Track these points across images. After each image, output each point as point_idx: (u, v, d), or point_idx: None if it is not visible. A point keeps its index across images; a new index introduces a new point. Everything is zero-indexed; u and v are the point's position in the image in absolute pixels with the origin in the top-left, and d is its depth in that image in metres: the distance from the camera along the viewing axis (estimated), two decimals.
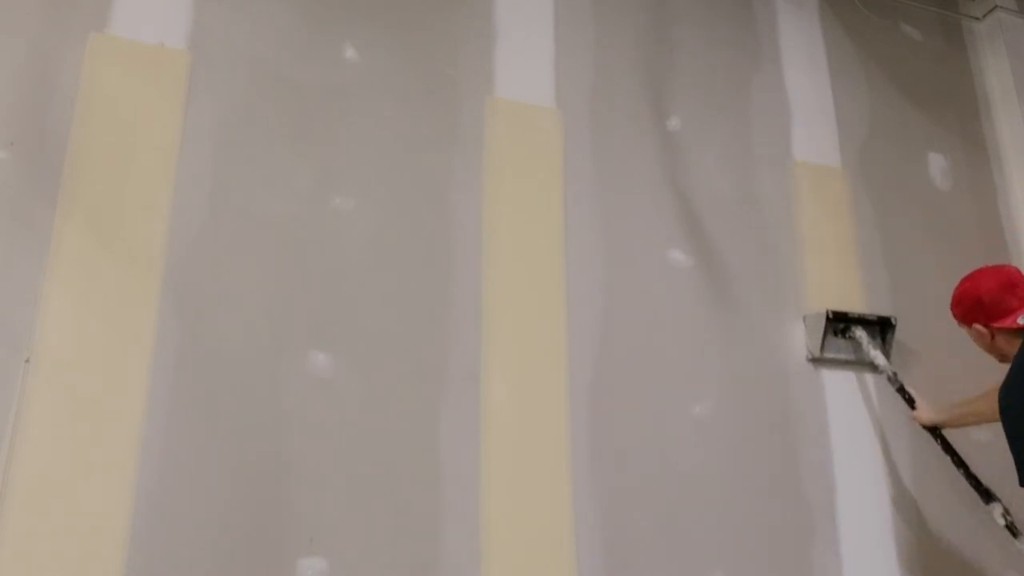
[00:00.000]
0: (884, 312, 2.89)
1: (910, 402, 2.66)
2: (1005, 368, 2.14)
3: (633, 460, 2.45)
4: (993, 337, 2.22)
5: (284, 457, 2.12)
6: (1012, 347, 2.17)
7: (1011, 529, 2.43)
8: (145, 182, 2.20)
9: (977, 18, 3.58)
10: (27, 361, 1.97)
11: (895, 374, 2.71)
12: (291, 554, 2.05)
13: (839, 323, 2.79)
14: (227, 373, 2.13)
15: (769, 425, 2.65)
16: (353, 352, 2.26)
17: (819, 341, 2.74)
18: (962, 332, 2.34)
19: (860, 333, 2.79)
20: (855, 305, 2.89)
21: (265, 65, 2.43)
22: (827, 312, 2.74)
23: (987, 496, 2.49)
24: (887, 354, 2.79)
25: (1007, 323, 2.17)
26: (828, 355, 2.77)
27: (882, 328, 2.84)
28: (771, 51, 3.16)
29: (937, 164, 3.28)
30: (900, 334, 2.86)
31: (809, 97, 3.14)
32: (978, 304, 2.23)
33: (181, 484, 2.01)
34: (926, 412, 2.60)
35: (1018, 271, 2.27)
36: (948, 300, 2.35)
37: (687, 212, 2.79)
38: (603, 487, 2.38)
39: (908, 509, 2.72)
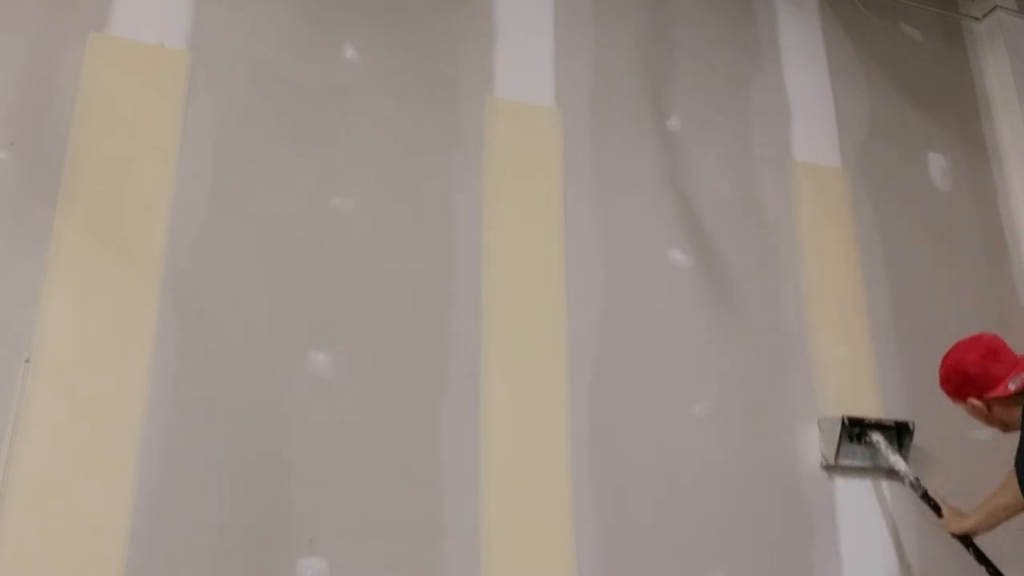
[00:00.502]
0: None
1: (936, 510, 2.51)
2: (1013, 439, 2.09)
3: (633, 460, 2.44)
4: (990, 409, 2.17)
5: (284, 457, 2.12)
6: (1012, 415, 2.13)
7: None
8: (145, 182, 2.20)
9: (977, 18, 3.58)
10: (27, 361, 1.97)
11: (918, 480, 2.58)
12: (291, 554, 2.05)
13: (854, 428, 2.66)
14: (227, 373, 2.13)
15: (770, 424, 2.65)
16: (353, 352, 2.26)
17: (834, 448, 2.62)
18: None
19: (877, 438, 2.66)
20: (858, 310, 2.89)
21: (265, 65, 2.43)
22: (843, 419, 2.63)
23: None
24: (906, 459, 2.67)
25: (999, 392, 2.13)
26: (843, 462, 2.65)
27: (899, 433, 2.73)
28: (771, 51, 3.16)
29: (937, 164, 3.28)
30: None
31: (809, 97, 3.14)
32: (966, 379, 2.18)
33: (181, 484, 2.01)
34: (955, 520, 2.45)
35: (995, 337, 2.22)
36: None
37: (687, 212, 2.79)
38: (603, 487, 2.38)
39: None
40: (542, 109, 2.71)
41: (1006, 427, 2.19)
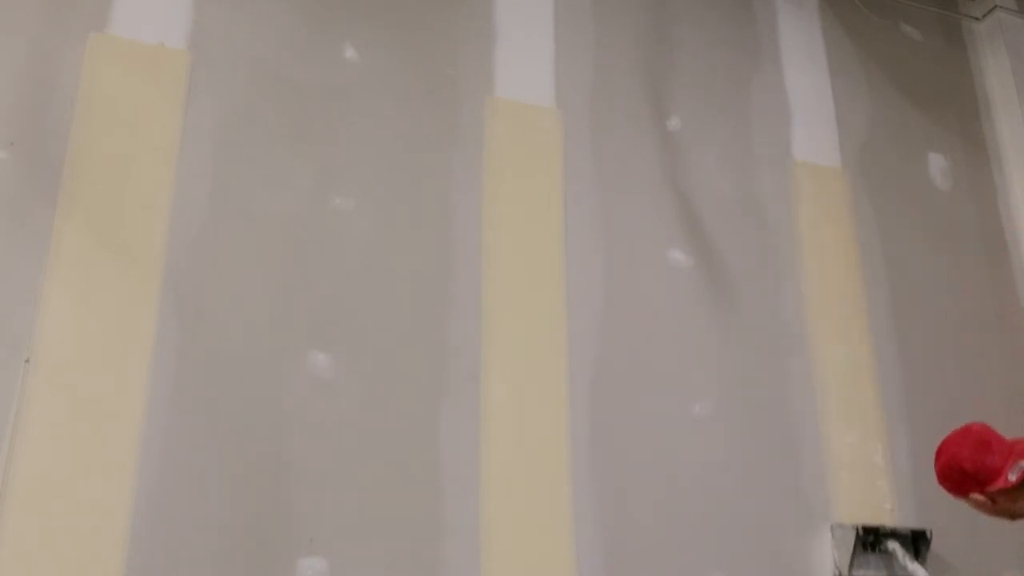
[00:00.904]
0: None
1: None
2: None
3: (633, 460, 2.44)
4: (994, 501, 2.17)
5: (284, 457, 2.12)
6: (1018, 504, 2.12)
7: None
8: (145, 182, 2.20)
9: (977, 18, 3.58)
10: (27, 361, 1.97)
11: None
12: (291, 554, 2.05)
13: (868, 536, 2.59)
14: (227, 373, 2.13)
15: (769, 424, 2.65)
16: (353, 352, 2.26)
17: (848, 558, 2.54)
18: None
19: (894, 546, 2.59)
20: (858, 310, 2.89)
21: (265, 65, 2.43)
22: (858, 528, 2.56)
23: None
24: (923, 566, 2.61)
25: (1000, 484, 2.11)
26: (858, 572, 2.57)
27: (915, 541, 2.65)
28: (771, 51, 3.16)
29: (937, 164, 3.28)
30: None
31: (809, 97, 3.14)
32: (964, 475, 2.13)
33: (181, 484, 2.01)
34: None
35: (983, 426, 2.18)
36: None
37: (687, 212, 2.79)
38: (603, 487, 2.38)
39: None
40: (542, 109, 2.71)
41: (1013, 517, 2.16)
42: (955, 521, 2.75)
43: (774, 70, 3.13)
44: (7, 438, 1.90)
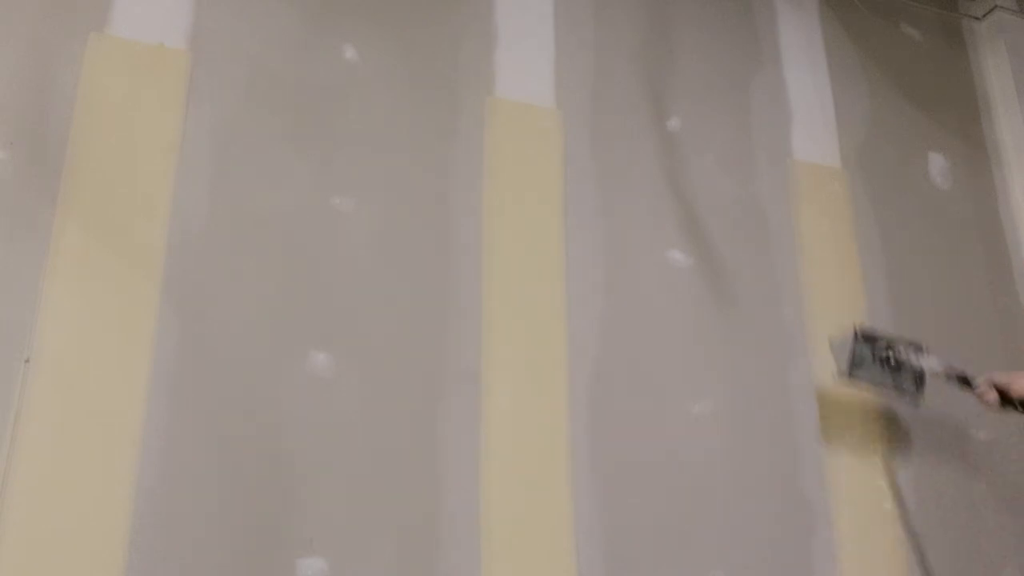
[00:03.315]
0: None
1: (969, 383, 2.45)
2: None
3: (633, 460, 2.44)
4: None
5: (284, 457, 2.12)
6: None
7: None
8: (145, 182, 2.20)
9: (977, 18, 3.58)
10: (27, 361, 1.97)
11: (951, 368, 2.49)
12: (291, 554, 2.05)
13: (867, 342, 2.56)
14: (227, 373, 2.13)
15: (770, 424, 2.65)
16: (353, 352, 2.26)
17: (847, 358, 2.52)
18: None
19: (899, 348, 2.56)
20: (858, 310, 2.89)
21: (265, 65, 2.43)
22: (855, 328, 2.55)
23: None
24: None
25: None
26: (857, 373, 2.54)
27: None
28: (771, 51, 3.16)
29: (937, 164, 3.28)
30: None
31: (809, 97, 3.14)
32: None
33: (181, 484, 2.01)
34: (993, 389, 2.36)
35: None
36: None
37: (687, 212, 2.79)
38: (603, 487, 2.38)
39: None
40: (542, 109, 2.71)
41: None
42: (955, 521, 2.76)
43: (774, 70, 3.13)
44: (7, 438, 1.90)
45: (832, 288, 2.89)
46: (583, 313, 2.52)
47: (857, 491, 2.67)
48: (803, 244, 2.91)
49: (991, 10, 3.54)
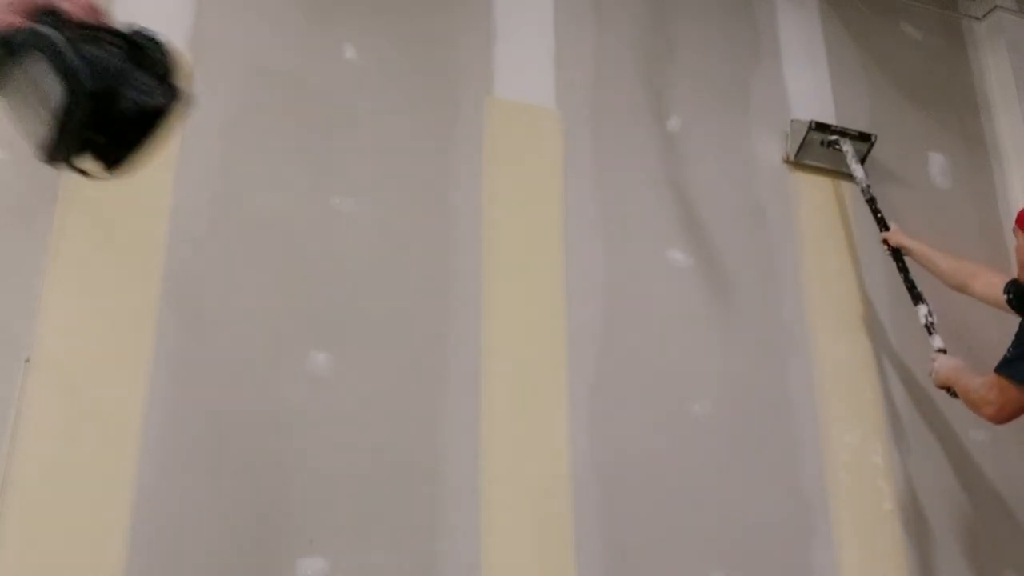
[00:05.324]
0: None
1: (882, 223, 2.82)
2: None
3: (633, 460, 2.44)
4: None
5: (284, 457, 2.12)
6: None
7: (928, 328, 2.63)
8: (145, 182, 2.18)
9: (977, 18, 3.58)
10: (27, 361, 1.97)
11: (868, 187, 2.86)
12: (291, 554, 2.05)
13: (821, 132, 2.93)
14: (227, 373, 2.13)
15: (769, 424, 2.65)
16: (353, 352, 2.26)
17: (797, 146, 2.93)
18: None
19: (847, 147, 2.91)
20: (858, 309, 2.89)
21: (265, 65, 2.43)
22: (811, 122, 2.91)
23: (916, 298, 2.68)
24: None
25: None
26: (804, 159, 2.95)
27: (861, 142, 2.98)
28: (771, 50, 3.16)
29: (937, 163, 3.27)
30: None
31: (809, 96, 3.14)
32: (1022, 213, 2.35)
33: (181, 484, 2.01)
34: (898, 235, 2.80)
35: None
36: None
37: (687, 212, 2.79)
38: (603, 487, 2.38)
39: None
40: (542, 109, 2.71)
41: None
42: (955, 521, 2.76)
43: (774, 69, 3.13)
44: (7, 438, 1.90)
45: (832, 288, 2.89)
46: (583, 313, 2.52)
47: (857, 491, 2.67)
48: (803, 243, 2.91)
49: (991, 10, 3.54)
